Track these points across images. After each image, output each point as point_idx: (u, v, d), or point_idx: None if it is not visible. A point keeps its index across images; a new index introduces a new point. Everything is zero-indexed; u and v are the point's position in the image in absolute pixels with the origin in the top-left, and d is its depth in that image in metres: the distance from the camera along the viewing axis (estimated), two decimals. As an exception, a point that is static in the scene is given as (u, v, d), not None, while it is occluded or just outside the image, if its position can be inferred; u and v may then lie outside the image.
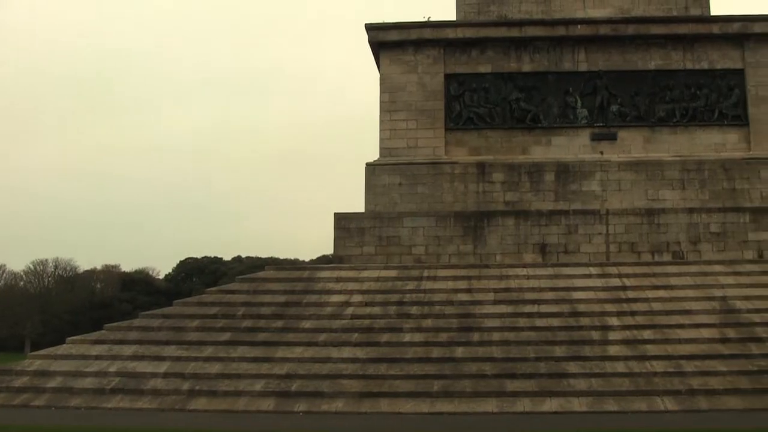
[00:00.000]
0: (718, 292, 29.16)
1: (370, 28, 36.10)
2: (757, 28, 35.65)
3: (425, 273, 31.43)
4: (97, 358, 26.63)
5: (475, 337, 26.57)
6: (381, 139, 35.65)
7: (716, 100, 35.53)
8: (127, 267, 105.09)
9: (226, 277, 79.60)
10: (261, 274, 33.13)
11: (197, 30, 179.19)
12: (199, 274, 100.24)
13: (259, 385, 24.27)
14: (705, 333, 26.45)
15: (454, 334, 26.80)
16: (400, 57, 36.07)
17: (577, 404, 22.63)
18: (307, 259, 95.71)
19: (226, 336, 27.34)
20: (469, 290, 29.92)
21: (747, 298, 28.76)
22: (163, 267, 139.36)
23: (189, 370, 25.37)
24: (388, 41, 36.17)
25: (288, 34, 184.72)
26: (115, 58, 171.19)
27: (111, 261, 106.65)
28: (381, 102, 35.89)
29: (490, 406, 22.62)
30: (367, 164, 35.31)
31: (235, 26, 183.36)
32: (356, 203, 34.60)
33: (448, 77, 35.99)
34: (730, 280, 30.24)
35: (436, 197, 34.73)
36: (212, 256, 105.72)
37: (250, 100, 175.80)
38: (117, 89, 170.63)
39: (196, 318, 28.85)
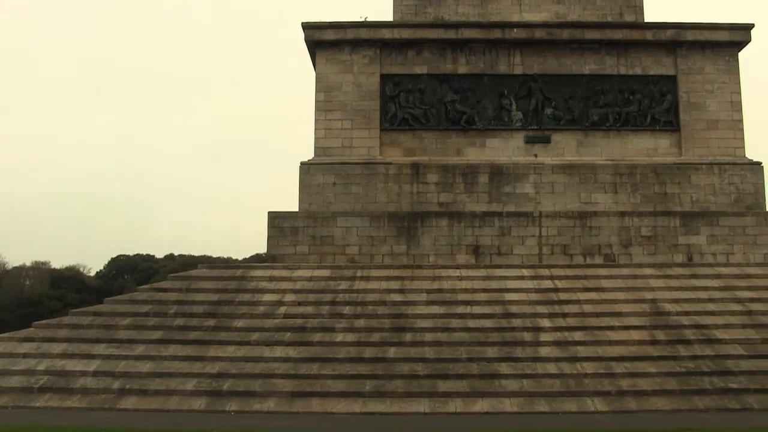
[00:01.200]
0: (648, 295, 29.55)
1: (307, 26, 36.02)
2: (690, 35, 36.25)
3: (358, 273, 31.45)
4: (25, 356, 26.20)
5: (408, 337, 26.62)
6: (316, 139, 35.57)
7: (649, 106, 36.05)
8: (57, 264, 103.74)
9: (158, 275, 78.95)
10: (194, 272, 32.88)
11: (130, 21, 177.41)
12: (131, 272, 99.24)
13: (190, 384, 24.08)
14: (635, 335, 26.78)
15: (386, 334, 26.83)
16: (336, 56, 36.05)
17: (509, 405, 22.76)
18: (240, 258, 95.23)
19: (157, 334, 27.08)
20: (402, 291, 29.98)
21: (676, 300, 29.18)
22: (94, 264, 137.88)
23: (120, 368, 25.09)
24: (324, 40, 36.11)
25: (232, 31, 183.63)
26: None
27: (41, 257, 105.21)
28: (316, 101, 35.80)
29: (422, 406, 22.66)
30: (302, 163, 35.23)
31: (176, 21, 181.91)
32: (291, 202, 34.60)
33: (384, 78, 36.04)
34: (660, 283, 30.66)
35: (370, 197, 34.76)
36: (144, 253, 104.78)
37: (178, 95, 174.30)
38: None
39: (127, 316, 28.56)
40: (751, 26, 36.58)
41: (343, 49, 36.11)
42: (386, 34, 36.12)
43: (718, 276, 31.48)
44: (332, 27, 36.12)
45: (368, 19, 36.43)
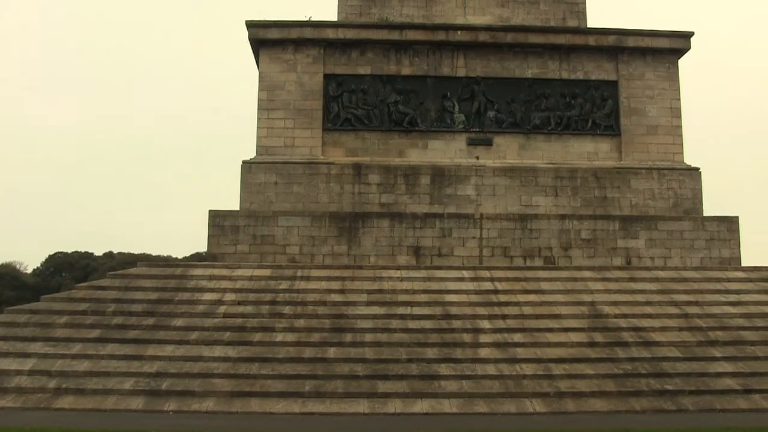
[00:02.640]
0: (587, 298, 29.84)
1: (251, 25, 35.85)
2: (631, 42, 36.67)
3: (299, 273, 31.37)
4: (-41, 354, 25.84)
5: (348, 337, 26.60)
6: (258, 137, 35.43)
7: (590, 110, 36.40)
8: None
9: (96, 273, 78.09)
10: (133, 270, 32.55)
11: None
12: (69, 270, 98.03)
13: (128, 384, 23.85)
14: (573, 337, 27.01)
15: (326, 334, 26.79)
16: (279, 55, 35.94)
17: (448, 406, 22.83)
18: (180, 257, 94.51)
19: (95, 333, 26.78)
20: (342, 291, 29.96)
21: (614, 303, 29.51)
22: (30, 261, 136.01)
23: (56, 367, 24.77)
24: (268, 39, 35.98)
25: (171, 28, 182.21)
26: None
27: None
28: (259, 100, 35.67)
29: (362, 407, 22.67)
30: (244, 162, 35.07)
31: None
32: (234, 201, 34.35)
33: (328, 77, 36.00)
34: (599, 285, 30.97)
35: (311, 197, 34.69)
36: (83, 251, 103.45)
37: (119, 91, 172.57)
38: None
39: (64, 314, 28.21)
40: (690, 34, 37.08)
41: (287, 48, 36.01)
42: (330, 34, 36.08)
43: (656, 279, 31.87)
44: (276, 26, 35.99)
45: (313, 19, 36.36)
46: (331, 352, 25.58)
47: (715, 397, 23.96)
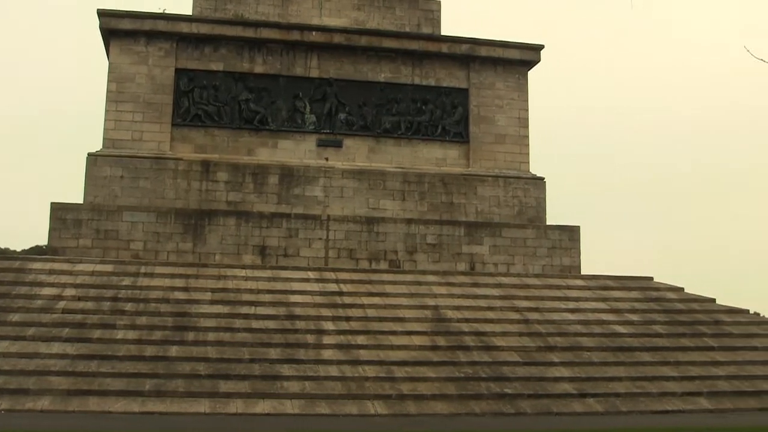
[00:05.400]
0: (431, 302, 30.17)
1: (103, 14, 34.92)
2: (483, 51, 37.34)
3: (143, 269, 30.82)
4: None
5: (191, 336, 26.25)
6: (105, 130, 34.62)
7: (440, 117, 36.87)
8: None
9: (-73, 263, 75.15)
10: (-33, 262, 31.46)
11: None
12: None
13: (-44, 381, 22.95)
14: (416, 340, 27.27)
15: (168, 332, 26.37)
16: (131, 47, 35.21)
17: (290, 406, 22.74)
18: (19, 249, 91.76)
19: (-77, 327, 25.75)
20: (186, 289, 29.56)
21: (458, 308, 29.92)
22: None
23: None
24: (120, 29, 35.18)
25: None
26: None
27: None
28: (108, 91, 34.84)
29: (203, 406, 22.36)
30: (89, 154, 34.21)
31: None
32: (78, 195, 33.58)
33: (179, 72, 35.46)
34: (443, 290, 31.37)
35: (158, 193, 34.13)
36: None
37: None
38: None
39: None
40: (541, 47, 37.98)
41: (139, 40, 35.31)
42: (184, 28, 35.58)
43: (499, 285, 32.49)
44: (129, 16, 35.23)
45: (167, 12, 35.82)
46: (173, 351, 25.18)
47: (552, 400, 24.49)
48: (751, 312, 33.78)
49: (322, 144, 35.98)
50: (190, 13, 36.95)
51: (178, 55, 35.54)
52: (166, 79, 35.21)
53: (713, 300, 33.80)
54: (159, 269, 31.02)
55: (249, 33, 35.97)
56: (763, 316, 35.58)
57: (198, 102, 35.43)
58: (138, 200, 33.82)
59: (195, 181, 34.46)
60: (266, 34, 36.11)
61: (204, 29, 35.74)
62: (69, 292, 28.50)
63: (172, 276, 30.48)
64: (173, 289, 29.43)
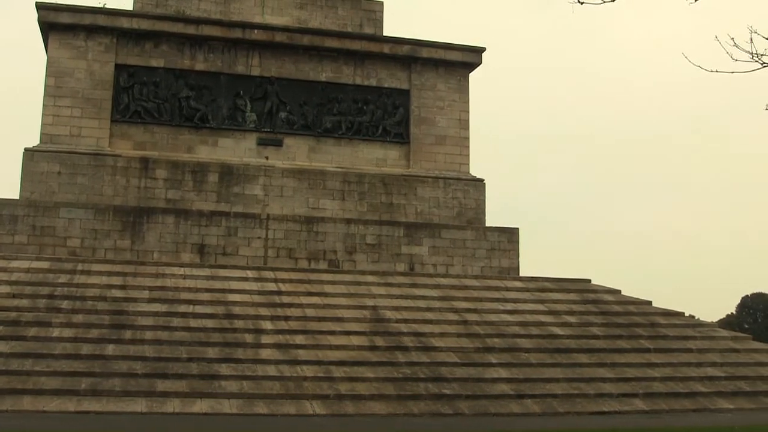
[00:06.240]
0: (369, 302, 30.21)
1: (41, 7, 34.51)
2: (425, 53, 37.48)
3: (79, 267, 30.49)
4: None
5: (128, 335, 26.01)
6: (43, 125, 34.17)
7: (381, 117, 36.94)
8: None
9: None
10: None
11: None
12: None
13: None
14: (355, 340, 27.29)
15: (105, 330, 26.10)
16: (70, 41, 34.82)
17: (228, 406, 22.63)
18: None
19: None
20: (123, 287, 29.29)
21: (396, 308, 29.99)
22: None
23: None
24: (59, 23, 34.78)
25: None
26: None
27: None
28: (46, 86, 34.42)
29: (140, 406, 22.17)
30: (26, 149, 33.76)
31: None
32: (14, 190, 33.14)
33: (119, 68, 35.13)
34: (382, 290, 31.44)
35: (96, 189, 33.77)
36: None
37: None
38: None
39: None
40: (482, 49, 38.18)
41: (78, 34, 34.92)
42: (124, 23, 35.25)
43: (438, 286, 32.61)
44: (68, 10, 34.81)
45: (107, 6, 35.50)
46: (110, 349, 24.94)
47: (490, 401, 24.62)
48: (686, 314, 34.28)
49: (262, 143, 35.86)
50: (131, 9, 36.58)
51: (118, 51, 35.20)
52: (105, 74, 34.86)
53: (650, 302, 34.27)
54: (96, 267, 30.70)
55: (190, 30, 35.76)
56: (698, 319, 36.21)
57: (138, 98, 35.13)
58: (76, 197, 33.43)
59: (134, 178, 34.17)
60: (208, 31, 35.91)
61: (145, 25, 35.45)
62: (3, 289, 28.10)
63: (110, 274, 30.19)
64: (110, 287, 29.14)
